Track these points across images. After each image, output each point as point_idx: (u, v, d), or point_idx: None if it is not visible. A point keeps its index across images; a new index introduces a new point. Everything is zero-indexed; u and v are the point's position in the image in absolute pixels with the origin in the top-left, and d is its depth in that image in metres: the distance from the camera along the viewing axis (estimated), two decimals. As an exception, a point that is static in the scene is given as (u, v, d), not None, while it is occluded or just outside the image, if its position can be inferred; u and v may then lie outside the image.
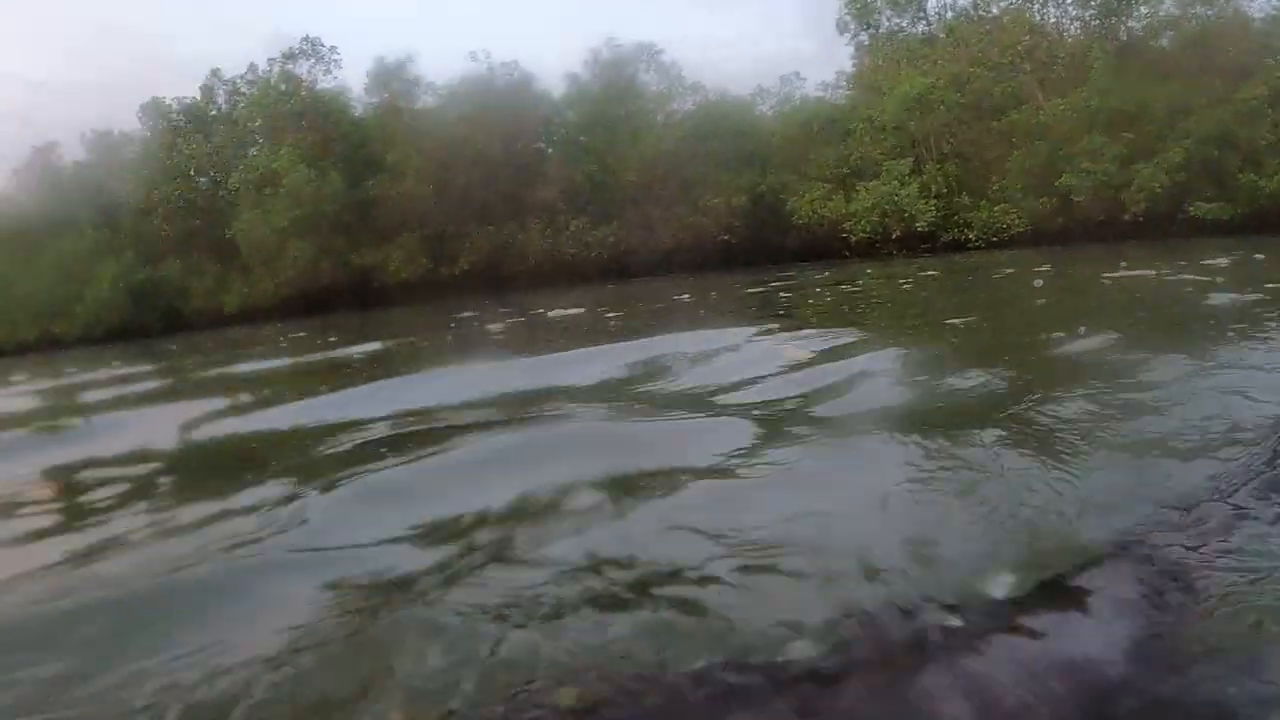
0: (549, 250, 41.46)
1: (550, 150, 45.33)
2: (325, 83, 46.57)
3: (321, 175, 41.29)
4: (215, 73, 49.30)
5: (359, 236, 41.60)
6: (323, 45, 46.64)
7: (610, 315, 15.05)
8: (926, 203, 37.39)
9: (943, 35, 43.04)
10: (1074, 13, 40.46)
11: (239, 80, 48.69)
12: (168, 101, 48.54)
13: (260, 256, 41.29)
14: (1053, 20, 41.13)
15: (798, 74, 48.50)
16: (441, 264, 41.22)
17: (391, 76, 46.75)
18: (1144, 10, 37.12)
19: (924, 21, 45.61)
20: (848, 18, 46.28)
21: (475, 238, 41.45)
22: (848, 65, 47.78)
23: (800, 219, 40.80)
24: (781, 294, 17.30)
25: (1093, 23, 38.99)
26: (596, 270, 40.88)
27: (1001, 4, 42.51)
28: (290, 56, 46.30)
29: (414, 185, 41.00)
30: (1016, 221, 36.16)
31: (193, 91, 49.04)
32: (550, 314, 16.60)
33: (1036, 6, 41.09)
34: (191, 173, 45.38)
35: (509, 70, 45.69)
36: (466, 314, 20.88)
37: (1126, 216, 32.95)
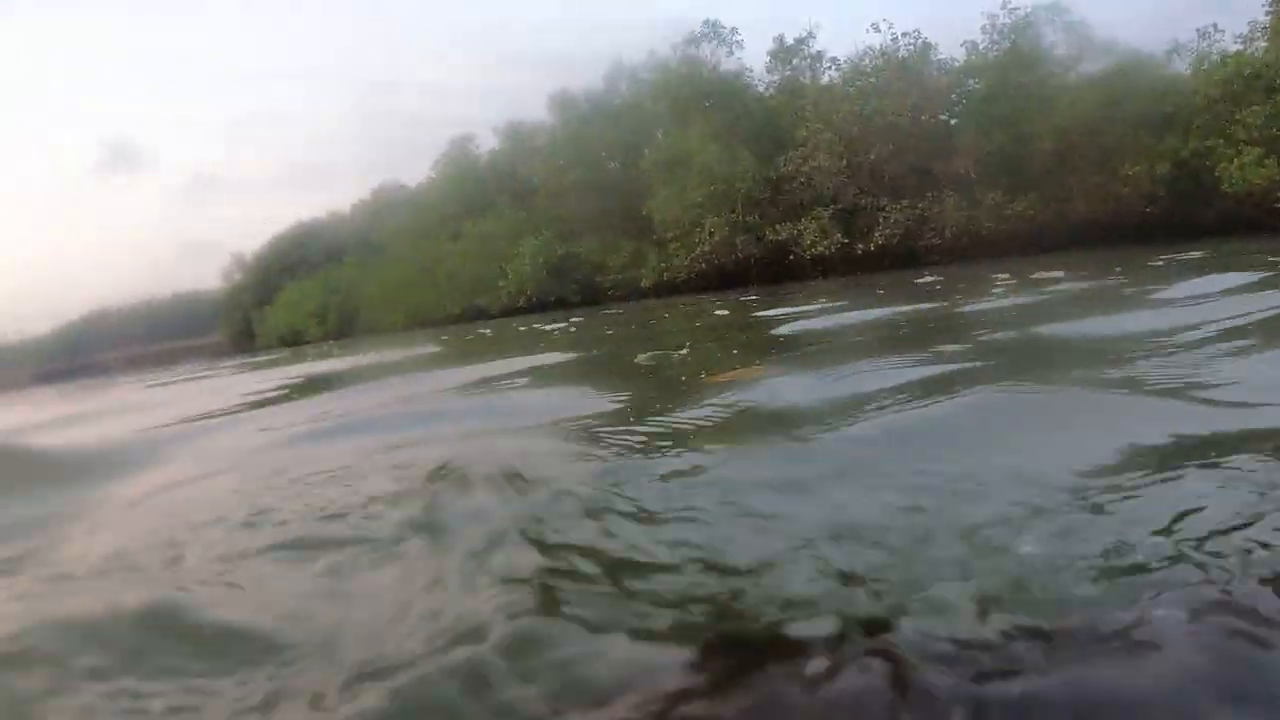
0: (965, 224, 40.09)
1: (954, 121, 43.96)
2: (728, 64, 47.63)
3: (731, 153, 42.08)
4: (617, 63, 52.02)
5: (770, 212, 42.03)
6: (723, 27, 47.77)
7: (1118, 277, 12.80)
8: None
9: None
10: None
11: (640, 69, 51.01)
12: (574, 92, 51.68)
13: (674, 232, 42.62)
14: None
15: (1215, 26, 44.51)
16: (856, 238, 40.82)
17: (792, 53, 47.26)
18: None
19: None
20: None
21: (889, 212, 40.77)
22: (1259, 14, 43.31)
23: (1230, 186, 37.10)
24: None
25: None
26: (1013, 244, 38.95)
27: None
28: (693, 41, 47.68)
29: (825, 160, 40.90)
30: None
31: (596, 82, 52.05)
32: (1037, 276, 14.86)
33: None
34: (601, 156, 47.59)
35: (912, 40, 44.92)
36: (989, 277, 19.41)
37: None
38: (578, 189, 47.22)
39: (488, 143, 57.31)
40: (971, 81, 44.15)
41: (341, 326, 63.05)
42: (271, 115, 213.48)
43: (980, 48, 44.66)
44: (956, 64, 44.65)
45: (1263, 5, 42.46)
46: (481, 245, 49.34)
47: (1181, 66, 43.78)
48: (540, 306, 43.47)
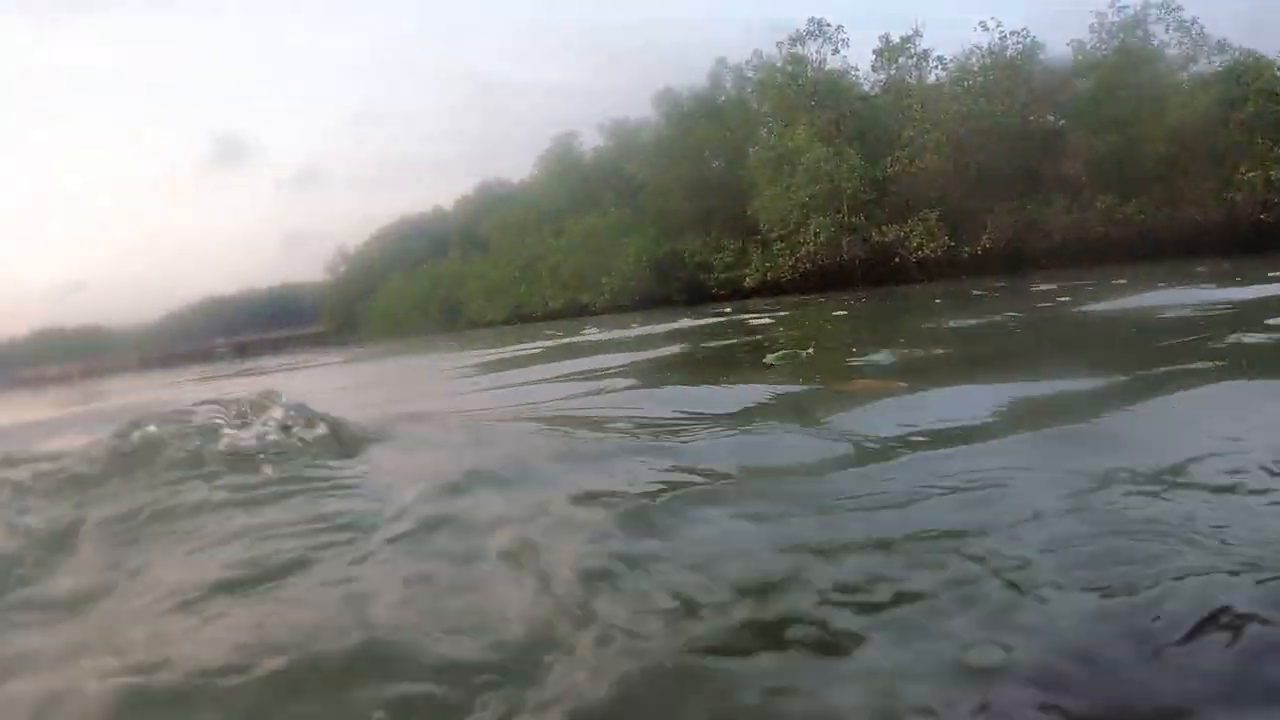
0: (1074, 228, 39.51)
1: (1062, 122, 43.33)
2: (833, 62, 47.75)
3: (838, 152, 42.21)
4: (721, 61, 52.44)
5: (876, 213, 42.07)
6: (829, 25, 47.82)
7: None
8: None
9: None
10: None
11: (744, 66, 51.38)
12: (678, 90, 52.23)
13: (779, 232, 42.93)
14: None
15: None
16: (962, 241, 40.64)
17: (897, 52, 47.14)
18: None
19: None
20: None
21: (996, 214, 40.47)
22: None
23: None
24: None
25: None
26: (1121, 250, 38.03)
27: None
28: (798, 39, 47.84)
29: (932, 161, 40.80)
30: None
31: (700, 80, 52.56)
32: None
33: None
34: (705, 154, 48.02)
35: (1020, 39, 44.41)
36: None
37: None
38: (682, 187, 47.72)
39: (591, 140, 58.29)
40: (1079, 81, 43.45)
41: (444, 320, 64.54)
42: (378, 113, 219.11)
43: (1088, 47, 44.00)
44: (1065, 63, 43.97)
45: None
46: (585, 242, 50.20)
47: None
48: (643, 304, 44.03)
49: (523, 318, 52.66)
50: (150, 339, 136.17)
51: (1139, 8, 43.65)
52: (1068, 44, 44.17)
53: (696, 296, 43.91)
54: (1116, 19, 43.63)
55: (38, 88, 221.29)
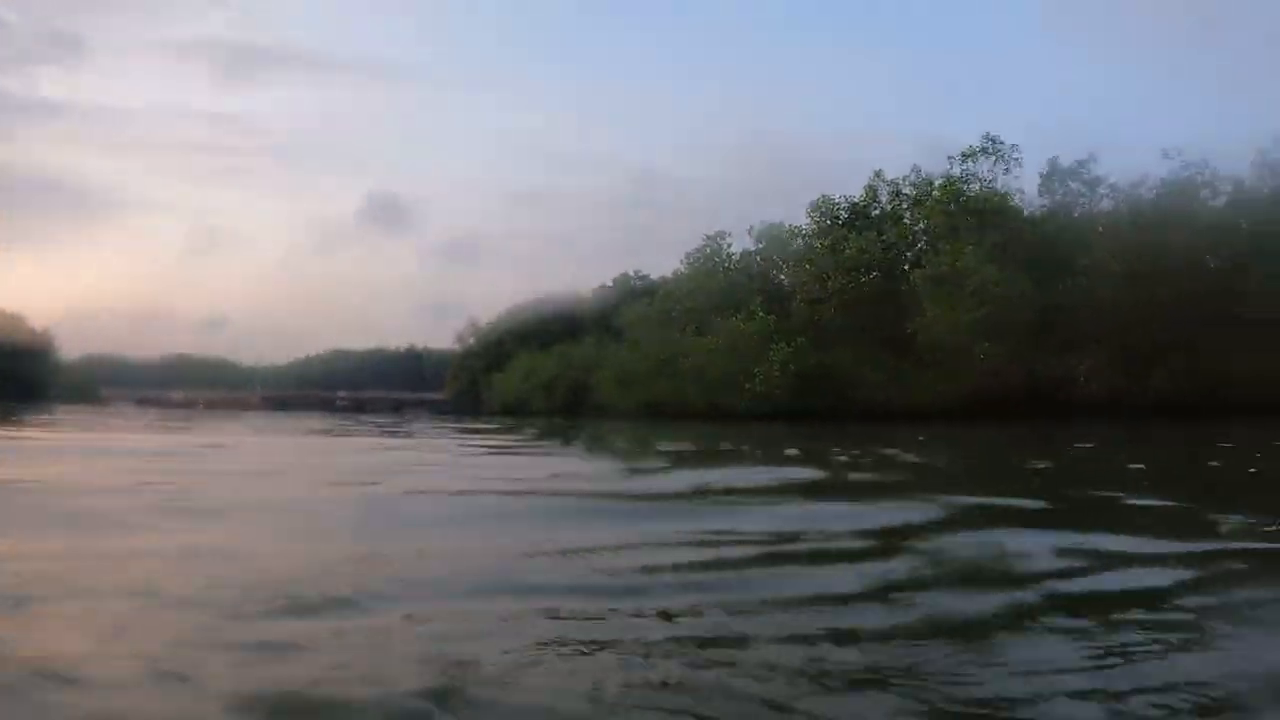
0: (1257, 378, 36.65)
1: (1246, 262, 40.66)
2: (1005, 181, 46.58)
3: (1008, 276, 40.63)
4: (878, 174, 51.68)
5: (1045, 343, 40.18)
6: (1003, 143, 46.66)
7: None
8: None
9: None
10: None
11: (901, 181, 50.53)
12: (835, 199, 51.45)
13: (941, 354, 41.26)
14: None
15: None
16: (1134, 382, 38.37)
17: (1069, 175, 45.67)
18: None
19: None
20: None
21: (1173, 356, 38.16)
22: None
23: None
24: None
25: None
26: None
27: None
28: (970, 155, 46.69)
29: (1111, 293, 38.84)
30: None
31: (856, 192, 51.85)
32: None
33: None
34: (862, 268, 46.79)
35: (1199, 169, 42.45)
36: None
37: None
38: (836, 298, 46.54)
39: (741, 243, 57.67)
40: (1248, 222, 40.87)
41: (569, 402, 64.18)
42: (535, 193, 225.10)
43: (1245, 185, 41.83)
44: (1256, 196, 41.71)
45: None
46: (731, 343, 49.23)
47: None
48: (786, 414, 42.70)
49: (655, 412, 51.81)
50: (274, 379, 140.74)
51: None
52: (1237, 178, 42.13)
53: (839, 413, 42.50)
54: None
55: (217, 137, 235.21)
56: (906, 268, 45.76)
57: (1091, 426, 31.41)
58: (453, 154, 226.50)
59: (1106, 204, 44.69)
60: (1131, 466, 14.33)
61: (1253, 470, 13.18)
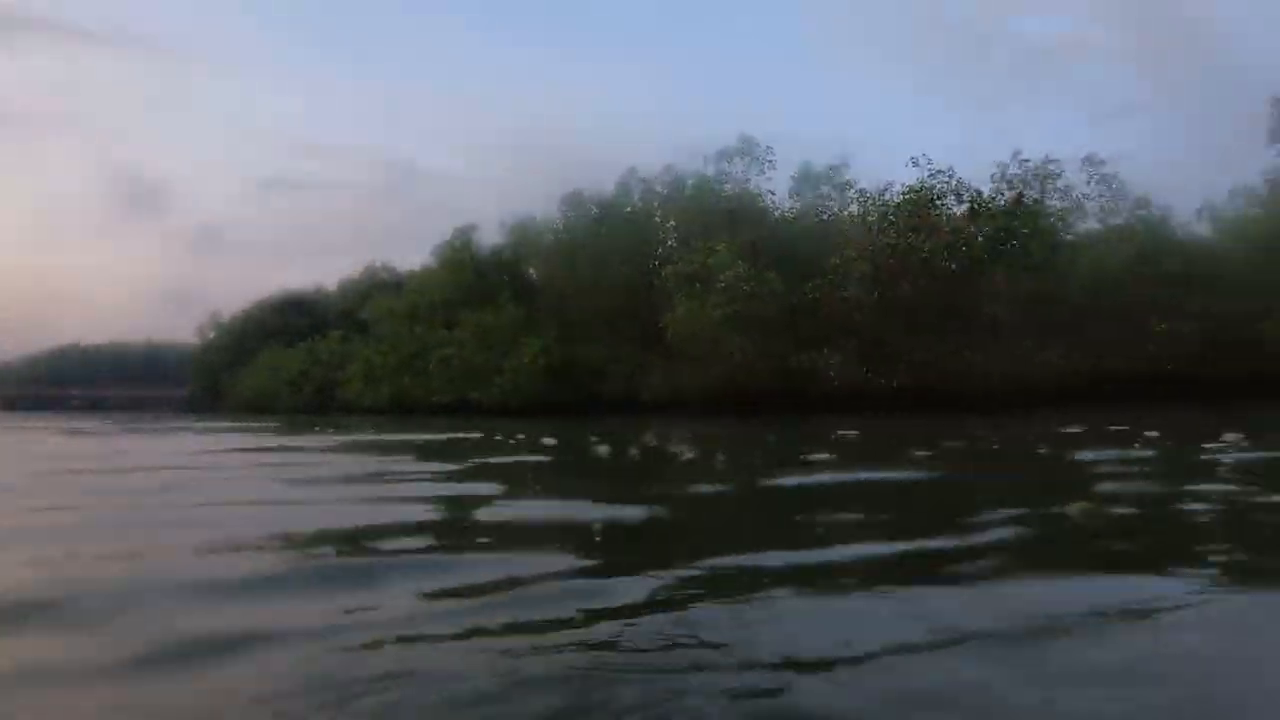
0: (991, 368, 38.18)
1: (985, 264, 42.18)
2: (758, 182, 46.69)
3: (758, 274, 40.44)
4: (631, 170, 50.62)
5: (793, 339, 40.21)
6: (758, 144, 46.60)
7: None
8: None
9: None
10: None
11: (653, 180, 49.67)
12: (588, 195, 50.14)
13: (692, 349, 40.55)
14: None
15: (1249, 187, 43.61)
16: (880, 375, 38.97)
17: (820, 179, 46.09)
18: None
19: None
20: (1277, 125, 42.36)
21: (915, 351, 39.00)
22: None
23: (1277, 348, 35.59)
24: None
25: None
26: (1041, 394, 36.93)
27: None
28: (725, 155, 46.42)
29: (855, 291, 39.23)
30: None
31: (608, 188, 50.69)
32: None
33: None
34: (610, 262, 45.58)
35: (946, 177, 43.66)
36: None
37: None
38: (585, 293, 45.15)
39: (492, 236, 55.60)
40: (985, 229, 42.54)
41: (317, 399, 61.00)
42: (289, 181, 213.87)
43: (992, 196, 43.58)
44: (993, 206, 43.24)
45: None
46: (479, 337, 47.11)
47: (1212, 226, 43.09)
48: (533, 409, 41.13)
49: (404, 408, 49.34)
50: (2, 377, 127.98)
51: (1059, 163, 43.76)
52: (990, 186, 43.81)
53: (591, 405, 41.28)
54: (1017, 171, 43.88)
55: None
56: (657, 264, 44.76)
57: (842, 418, 31.35)
58: (201, 136, 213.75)
59: (855, 207, 45.23)
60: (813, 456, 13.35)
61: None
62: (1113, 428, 18.13)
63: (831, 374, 39.21)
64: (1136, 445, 13.39)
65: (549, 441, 17.27)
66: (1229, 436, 13.99)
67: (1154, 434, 15.76)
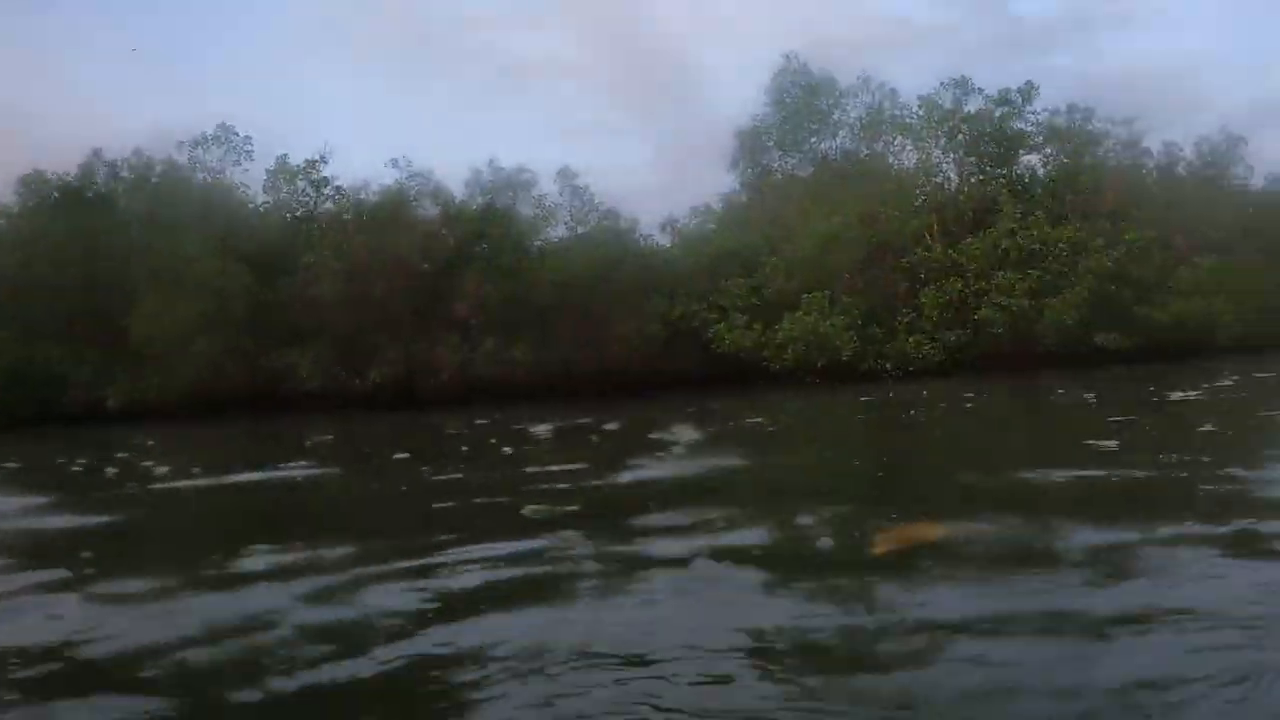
0: (462, 367, 40.20)
1: (457, 265, 43.76)
2: (235, 174, 45.47)
3: (228, 269, 39.55)
4: (97, 153, 46.18)
5: (267, 338, 39.74)
6: (236, 134, 45.33)
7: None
8: (848, 334, 38.71)
9: (841, 178, 44.43)
10: (964, 159, 43.84)
11: (121, 164, 46.07)
12: (49, 176, 45.39)
13: (158, 350, 38.65)
14: (947, 166, 44.52)
15: (709, 205, 49.39)
16: (354, 375, 39.65)
17: (296, 174, 45.56)
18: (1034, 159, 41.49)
19: (813, 163, 48.11)
20: (738, 156, 49.31)
21: (388, 350, 40.08)
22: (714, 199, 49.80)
23: (720, 347, 40.73)
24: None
25: (988, 169, 42.61)
26: (510, 391, 39.01)
27: (897, 150, 45.94)
28: (201, 142, 44.61)
29: (328, 289, 39.53)
30: (931, 352, 38.20)
31: (71, 169, 45.81)
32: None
33: (934, 154, 44.35)
34: (77, 253, 41.74)
35: (424, 180, 45.05)
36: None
37: (1040, 349, 36.01)
38: (42, 287, 41.06)
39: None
40: (458, 232, 44.36)
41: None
42: None
43: (466, 200, 45.47)
44: (466, 210, 44.88)
45: (737, 191, 48.42)
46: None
47: (672, 239, 47.95)
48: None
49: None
50: None
51: (531, 172, 46.12)
52: (463, 190, 45.54)
53: (47, 416, 38.09)
54: (489, 179, 45.72)
55: None
56: (123, 256, 41.72)
57: (314, 419, 31.64)
58: None
59: (330, 205, 45.41)
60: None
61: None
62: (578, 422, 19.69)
63: (304, 373, 39.32)
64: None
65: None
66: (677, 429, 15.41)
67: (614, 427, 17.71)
